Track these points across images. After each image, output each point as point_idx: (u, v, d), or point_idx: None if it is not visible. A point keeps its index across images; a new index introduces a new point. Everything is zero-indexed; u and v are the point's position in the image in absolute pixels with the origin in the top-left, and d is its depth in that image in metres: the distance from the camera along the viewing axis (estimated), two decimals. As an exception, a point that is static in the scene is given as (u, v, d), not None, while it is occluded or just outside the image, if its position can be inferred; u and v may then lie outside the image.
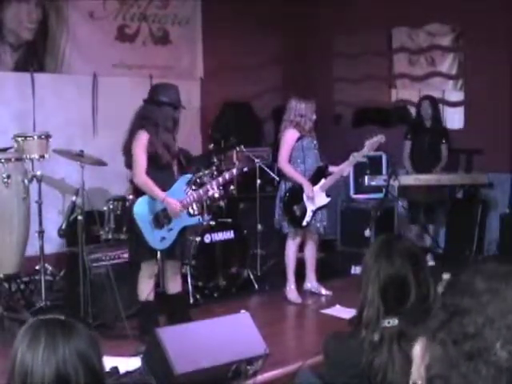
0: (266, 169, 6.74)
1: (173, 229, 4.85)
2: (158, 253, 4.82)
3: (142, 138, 4.75)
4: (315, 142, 6.10)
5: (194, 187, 5.07)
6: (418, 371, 1.13)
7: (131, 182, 5.04)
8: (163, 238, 4.82)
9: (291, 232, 6.09)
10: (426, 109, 7.24)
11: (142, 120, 4.83)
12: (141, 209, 4.80)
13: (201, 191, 4.98)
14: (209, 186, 4.99)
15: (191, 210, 5.32)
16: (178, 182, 4.92)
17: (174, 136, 4.94)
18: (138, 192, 4.87)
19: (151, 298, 4.94)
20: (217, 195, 5.09)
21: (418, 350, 1.14)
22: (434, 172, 7.16)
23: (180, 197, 4.87)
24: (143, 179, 4.76)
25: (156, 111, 4.81)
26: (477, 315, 1.04)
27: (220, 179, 5.09)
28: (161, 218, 4.81)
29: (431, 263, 6.97)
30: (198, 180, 5.47)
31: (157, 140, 4.76)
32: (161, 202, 4.78)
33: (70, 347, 1.52)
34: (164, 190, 4.81)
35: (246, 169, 5.43)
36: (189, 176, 5.02)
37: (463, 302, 1.06)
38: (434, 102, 7.36)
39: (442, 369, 1.05)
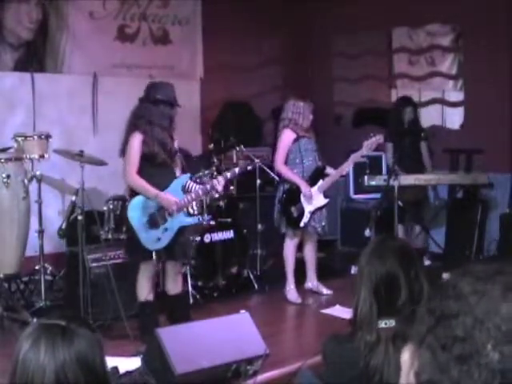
0: (266, 169, 6.73)
1: (168, 229, 4.78)
2: (154, 253, 4.76)
3: (136, 140, 4.73)
4: (313, 142, 6.10)
5: (197, 184, 5.01)
6: (406, 378, 1.10)
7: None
8: (158, 239, 4.76)
9: (289, 232, 6.10)
10: (409, 114, 7.14)
11: (136, 119, 4.80)
12: (135, 210, 4.77)
13: (207, 186, 4.91)
14: (215, 181, 4.91)
15: (191, 210, 5.30)
16: (175, 182, 4.85)
17: (170, 135, 4.90)
18: (133, 193, 4.84)
19: (151, 298, 4.92)
20: (220, 188, 4.98)
21: (406, 356, 1.11)
22: (429, 172, 7.10)
23: (177, 196, 4.80)
24: (134, 178, 4.73)
25: (151, 109, 4.78)
26: (465, 317, 1.01)
27: (228, 174, 5.03)
28: (156, 218, 4.75)
29: (427, 263, 6.95)
30: (197, 180, 5.44)
31: (152, 139, 4.73)
32: (155, 202, 4.73)
33: (70, 354, 1.52)
34: (160, 189, 4.75)
35: (249, 167, 5.37)
36: (187, 176, 4.97)
37: (450, 305, 1.04)
38: (416, 107, 7.28)
39: (432, 374, 1.03)
